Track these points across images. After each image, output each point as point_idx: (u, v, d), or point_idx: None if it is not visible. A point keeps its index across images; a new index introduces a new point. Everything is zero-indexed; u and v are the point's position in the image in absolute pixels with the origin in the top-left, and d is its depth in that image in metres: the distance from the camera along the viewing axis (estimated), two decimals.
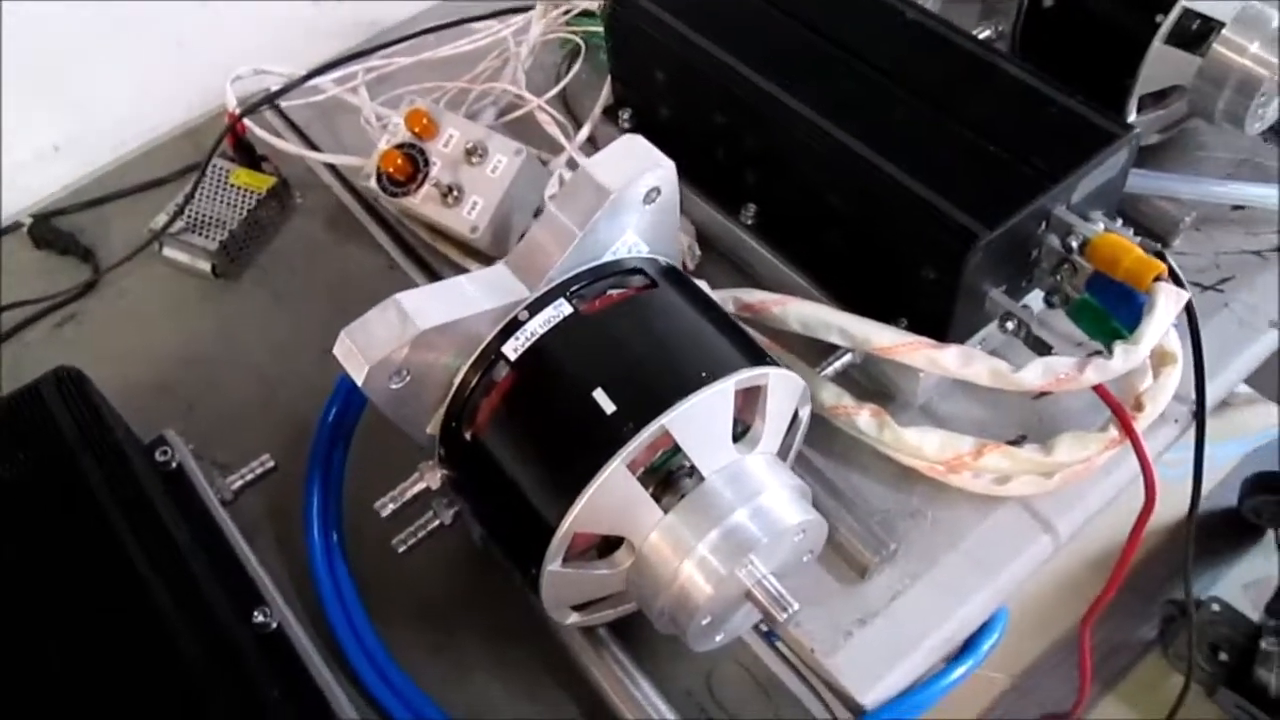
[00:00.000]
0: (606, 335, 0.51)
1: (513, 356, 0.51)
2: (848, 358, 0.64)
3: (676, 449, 0.50)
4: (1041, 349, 0.60)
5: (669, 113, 0.75)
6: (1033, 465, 0.60)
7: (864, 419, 0.62)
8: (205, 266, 0.80)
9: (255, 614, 0.55)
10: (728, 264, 0.74)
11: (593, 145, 0.80)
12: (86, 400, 0.60)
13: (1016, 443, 0.63)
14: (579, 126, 0.81)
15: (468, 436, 0.52)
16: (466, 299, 0.52)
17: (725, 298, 0.64)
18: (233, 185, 0.82)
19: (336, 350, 0.50)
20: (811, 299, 0.66)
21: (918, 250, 0.60)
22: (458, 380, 0.52)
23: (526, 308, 0.52)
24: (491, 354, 0.52)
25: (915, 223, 0.59)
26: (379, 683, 0.59)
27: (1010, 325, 0.61)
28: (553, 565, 0.49)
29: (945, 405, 0.67)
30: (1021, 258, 0.62)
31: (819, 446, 0.65)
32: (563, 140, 0.78)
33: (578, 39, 0.85)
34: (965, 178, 0.60)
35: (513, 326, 0.52)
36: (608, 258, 0.54)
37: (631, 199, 0.53)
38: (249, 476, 0.64)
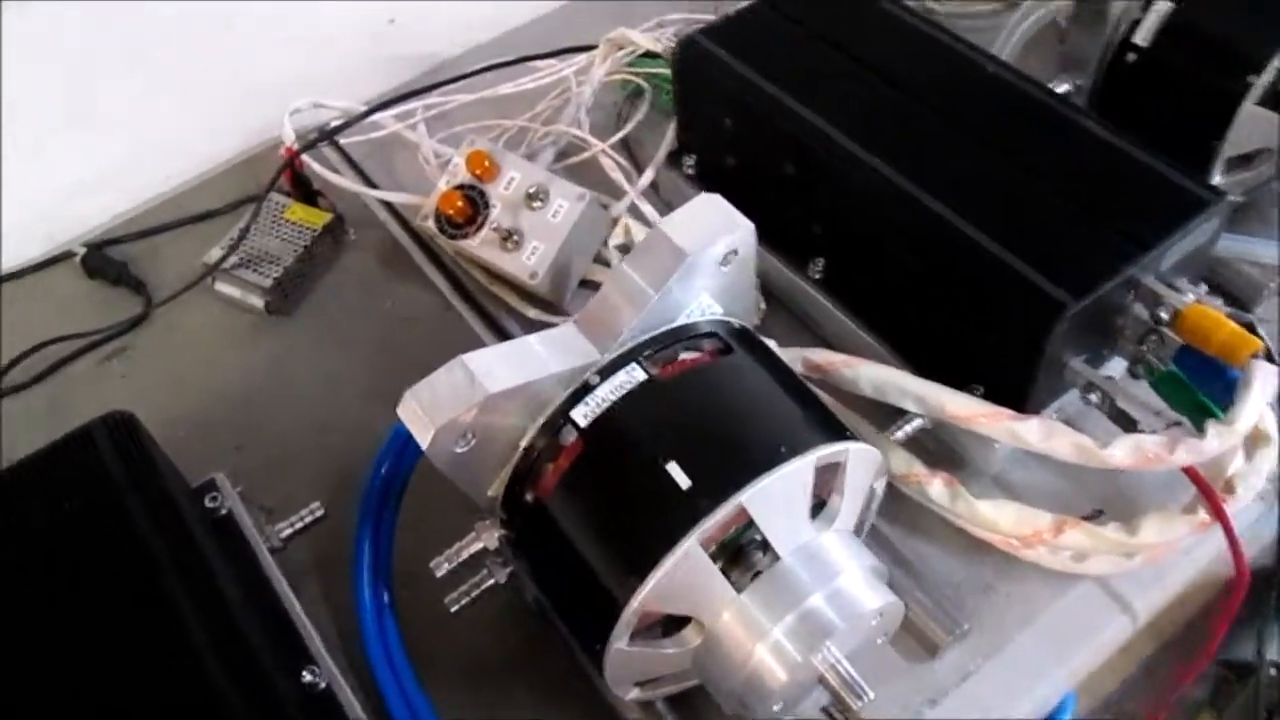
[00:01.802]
0: (680, 404, 0.49)
1: (583, 423, 0.49)
2: (919, 422, 0.62)
3: (751, 522, 0.48)
4: (1125, 423, 0.58)
5: (735, 161, 0.73)
6: (1115, 545, 0.57)
7: (936, 489, 0.60)
8: (258, 303, 0.79)
9: (304, 673, 0.54)
10: (793, 319, 0.72)
11: (655, 191, 0.79)
12: (139, 446, 0.58)
13: (1093, 516, 0.61)
14: (640, 170, 0.79)
15: (532, 502, 0.51)
16: (535, 361, 0.50)
17: (793, 357, 0.62)
18: (288, 221, 0.81)
19: (401, 411, 0.49)
20: (880, 359, 0.64)
21: (999, 317, 0.58)
22: (524, 444, 0.51)
23: (597, 372, 0.50)
24: (560, 419, 0.50)
25: (998, 289, 0.57)
26: None
27: (1094, 397, 0.59)
28: (619, 644, 0.47)
29: (1019, 474, 0.64)
30: (1106, 327, 0.60)
31: (886, 513, 0.62)
32: (625, 186, 0.76)
33: (640, 81, 0.83)
34: (1051, 243, 0.58)
35: (583, 391, 0.50)
36: (681, 320, 0.52)
37: (708, 261, 0.51)
38: (299, 525, 0.63)
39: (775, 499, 0.46)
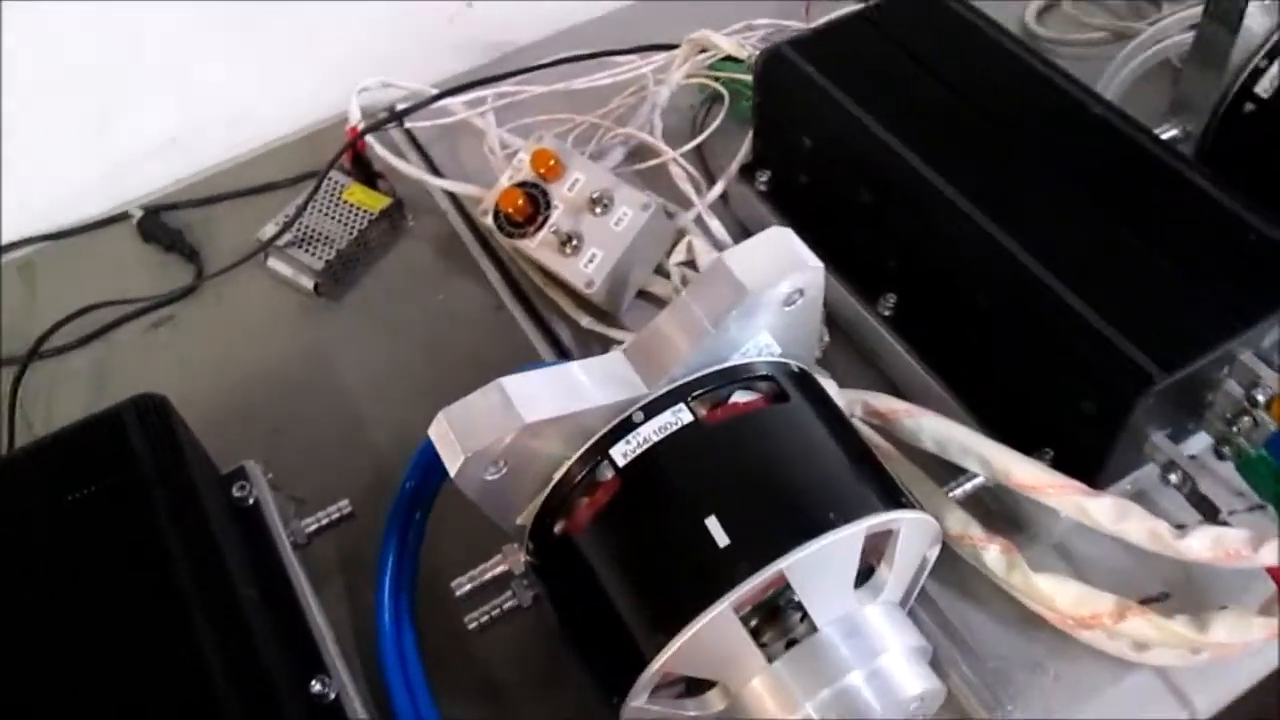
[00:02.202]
0: (727, 453, 0.46)
1: (621, 463, 0.46)
2: (980, 480, 0.58)
3: (789, 586, 0.45)
4: (1207, 509, 0.54)
5: (811, 181, 0.70)
6: (1181, 640, 0.53)
7: (992, 555, 0.56)
8: (308, 284, 0.77)
9: (314, 682, 0.52)
10: (856, 355, 0.68)
11: (724, 203, 0.76)
12: (168, 432, 0.56)
13: (1159, 599, 0.57)
14: (711, 179, 0.76)
15: (561, 538, 0.48)
16: (578, 391, 0.47)
17: (853, 400, 0.59)
18: (345, 202, 0.79)
19: (432, 432, 0.46)
20: (945, 407, 0.60)
21: (1079, 382, 0.54)
22: (558, 476, 0.48)
23: (642, 409, 0.47)
24: (598, 454, 0.47)
25: (1081, 352, 0.53)
26: None
27: (1174, 478, 0.54)
28: (637, 701, 0.45)
29: (1083, 545, 0.60)
30: (1194, 401, 0.55)
31: (936, 574, 0.58)
32: (693, 198, 0.73)
33: (719, 86, 0.80)
34: (1142, 306, 0.53)
35: (625, 428, 0.47)
36: (736, 359, 0.49)
37: (771, 300, 0.48)
38: (325, 521, 0.61)
39: (819, 568, 0.43)
